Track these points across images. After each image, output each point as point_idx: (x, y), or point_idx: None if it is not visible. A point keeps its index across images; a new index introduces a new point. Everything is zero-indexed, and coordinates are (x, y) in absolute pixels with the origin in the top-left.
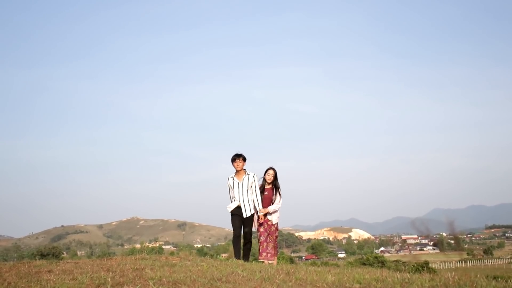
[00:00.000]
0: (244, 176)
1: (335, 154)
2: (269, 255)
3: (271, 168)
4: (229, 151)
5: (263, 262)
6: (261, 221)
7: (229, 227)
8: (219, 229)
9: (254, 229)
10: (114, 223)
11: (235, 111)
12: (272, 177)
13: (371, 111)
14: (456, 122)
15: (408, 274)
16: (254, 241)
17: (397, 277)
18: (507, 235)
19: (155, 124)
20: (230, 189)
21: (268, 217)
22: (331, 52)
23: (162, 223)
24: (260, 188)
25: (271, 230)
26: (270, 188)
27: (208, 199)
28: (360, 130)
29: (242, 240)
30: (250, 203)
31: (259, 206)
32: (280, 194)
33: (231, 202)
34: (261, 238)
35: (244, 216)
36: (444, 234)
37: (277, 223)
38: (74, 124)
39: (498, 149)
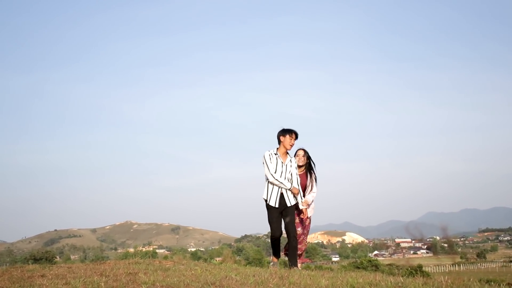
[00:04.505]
0: (288, 158)
1: (329, 158)
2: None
3: (300, 148)
4: (224, 155)
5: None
6: (305, 216)
7: (223, 231)
8: (213, 233)
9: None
10: (107, 227)
11: (230, 115)
12: (304, 159)
13: (367, 114)
14: (451, 126)
15: (401, 278)
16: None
17: (391, 281)
18: (500, 238)
19: (149, 128)
20: (277, 166)
21: (306, 210)
22: (328, 56)
23: (156, 227)
24: None
25: (304, 225)
26: (302, 173)
27: (202, 203)
28: (355, 134)
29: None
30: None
31: (302, 198)
32: (316, 179)
33: (272, 181)
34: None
35: (288, 205)
36: (438, 238)
37: (311, 216)
38: (67, 128)
39: (491, 154)
